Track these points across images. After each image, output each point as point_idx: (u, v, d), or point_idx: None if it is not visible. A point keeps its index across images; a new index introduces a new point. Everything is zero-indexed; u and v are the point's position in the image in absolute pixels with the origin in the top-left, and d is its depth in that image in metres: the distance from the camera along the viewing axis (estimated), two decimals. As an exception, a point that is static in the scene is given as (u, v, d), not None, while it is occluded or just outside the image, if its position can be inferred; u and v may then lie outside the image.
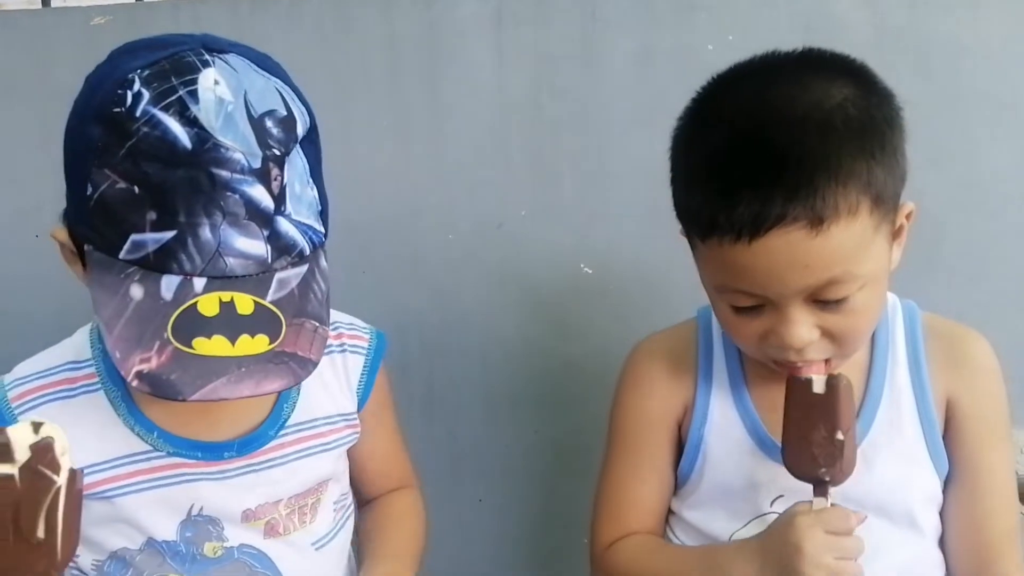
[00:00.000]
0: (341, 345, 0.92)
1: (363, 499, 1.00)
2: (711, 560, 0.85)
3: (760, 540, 0.81)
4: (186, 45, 0.73)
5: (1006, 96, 1.18)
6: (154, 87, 0.70)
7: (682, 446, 0.93)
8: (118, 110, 0.70)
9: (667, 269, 1.15)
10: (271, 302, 0.73)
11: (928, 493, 0.87)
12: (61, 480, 0.70)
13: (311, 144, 0.79)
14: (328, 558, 0.91)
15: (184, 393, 0.68)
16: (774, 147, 0.73)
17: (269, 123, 0.73)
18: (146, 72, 0.71)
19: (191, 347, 0.69)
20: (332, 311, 0.89)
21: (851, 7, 1.18)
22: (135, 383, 0.69)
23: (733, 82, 0.80)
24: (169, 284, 0.71)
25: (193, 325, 0.70)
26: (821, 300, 0.76)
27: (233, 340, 0.70)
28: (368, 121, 1.23)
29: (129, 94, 0.70)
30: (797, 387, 0.81)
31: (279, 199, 0.73)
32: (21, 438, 0.68)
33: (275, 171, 0.73)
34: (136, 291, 0.71)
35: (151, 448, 0.83)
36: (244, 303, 0.72)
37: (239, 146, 0.70)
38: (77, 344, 0.86)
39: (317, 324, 0.75)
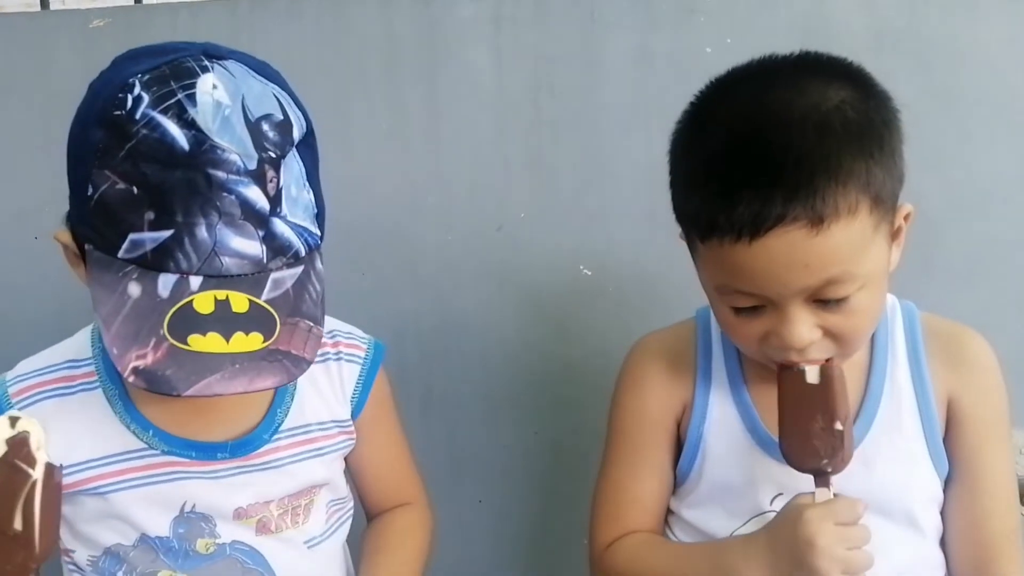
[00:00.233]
0: (337, 353, 0.93)
1: (369, 514, 1.00)
2: (715, 558, 0.84)
3: (768, 536, 0.81)
4: (187, 52, 0.76)
5: (1004, 99, 1.18)
6: (154, 91, 0.72)
7: (681, 445, 0.93)
8: (119, 113, 0.72)
9: (666, 270, 1.15)
10: (266, 301, 0.74)
11: (929, 493, 0.87)
12: (37, 474, 0.71)
13: (308, 148, 0.80)
14: (321, 557, 0.92)
15: (179, 388, 0.70)
16: (772, 148, 0.74)
17: (265, 127, 0.75)
18: (146, 77, 0.73)
19: (186, 344, 0.71)
20: (333, 320, 0.93)
21: (849, 10, 1.19)
22: (131, 379, 0.70)
23: (731, 86, 0.81)
24: (166, 282, 0.72)
25: (188, 322, 0.71)
26: (821, 300, 0.77)
27: (228, 337, 0.72)
28: (366, 122, 1.23)
29: (129, 98, 0.72)
30: (790, 378, 0.81)
31: (275, 201, 0.75)
32: None
33: (271, 173, 0.74)
34: (134, 289, 0.72)
35: (146, 446, 0.84)
36: (239, 301, 0.73)
37: (235, 148, 0.72)
38: (78, 343, 0.88)
39: (311, 324, 0.77)
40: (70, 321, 0.90)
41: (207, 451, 0.85)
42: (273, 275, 0.76)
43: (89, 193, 0.73)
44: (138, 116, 0.71)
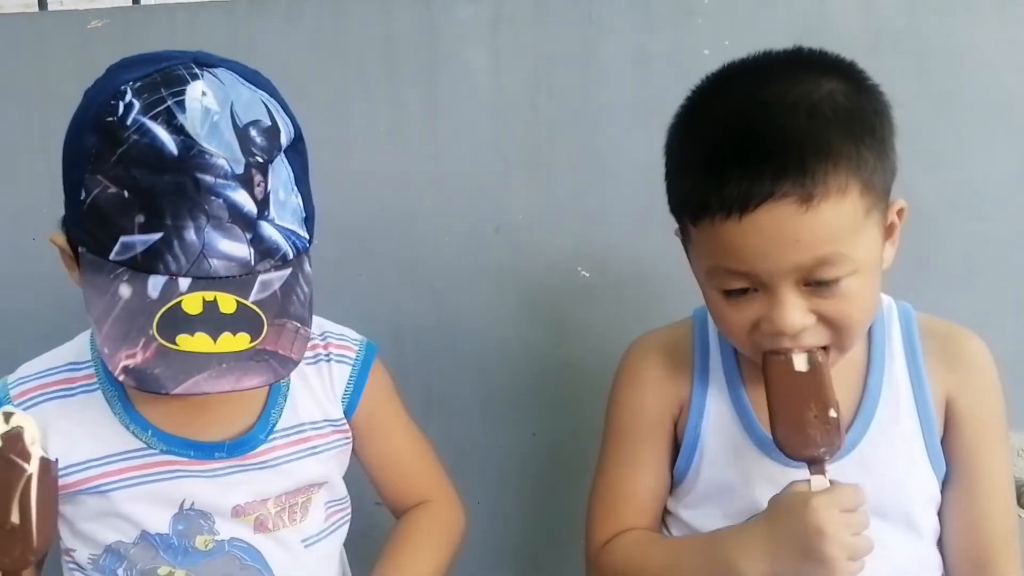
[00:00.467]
0: (328, 355, 0.94)
1: (395, 515, 1.01)
2: (711, 550, 0.84)
3: (767, 525, 0.80)
4: (178, 60, 0.78)
5: (1002, 100, 1.19)
6: (144, 97, 0.75)
7: (678, 445, 0.93)
8: (111, 119, 0.74)
9: (665, 272, 1.15)
10: (253, 302, 0.76)
11: (927, 494, 0.87)
12: (32, 468, 0.74)
13: (296, 154, 0.82)
14: (318, 556, 0.93)
15: (167, 387, 0.72)
16: (763, 130, 0.75)
17: (253, 132, 0.77)
18: (138, 84, 0.76)
19: (175, 343, 0.73)
20: (326, 322, 0.95)
21: (848, 11, 1.19)
22: (121, 377, 0.72)
23: (726, 80, 0.82)
24: (156, 284, 0.75)
25: (177, 322, 0.73)
26: (813, 283, 0.77)
27: (215, 337, 0.74)
28: (365, 124, 1.23)
29: (121, 104, 0.75)
30: (778, 367, 0.80)
31: (262, 204, 0.77)
32: None
33: (258, 177, 0.77)
34: (124, 290, 0.75)
35: (145, 446, 0.86)
36: (227, 302, 0.75)
37: (223, 153, 0.75)
38: (78, 346, 0.90)
39: (299, 325, 0.78)
40: (67, 322, 0.91)
41: (205, 451, 0.87)
42: (261, 277, 0.77)
43: (82, 197, 0.75)
44: (129, 122, 0.74)
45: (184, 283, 0.75)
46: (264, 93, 0.81)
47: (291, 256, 0.80)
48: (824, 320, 0.79)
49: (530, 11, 1.21)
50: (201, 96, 0.75)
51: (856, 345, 0.87)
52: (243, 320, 0.75)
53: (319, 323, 0.97)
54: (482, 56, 1.22)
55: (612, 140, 1.21)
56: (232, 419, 0.88)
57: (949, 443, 0.87)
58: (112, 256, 0.75)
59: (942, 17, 1.18)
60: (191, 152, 0.74)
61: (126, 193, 0.74)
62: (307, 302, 0.80)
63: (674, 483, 0.94)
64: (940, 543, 0.89)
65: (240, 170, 0.75)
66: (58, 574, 0.93)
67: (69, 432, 0.86)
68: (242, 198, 0.76)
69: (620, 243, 1.22)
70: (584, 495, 0.98)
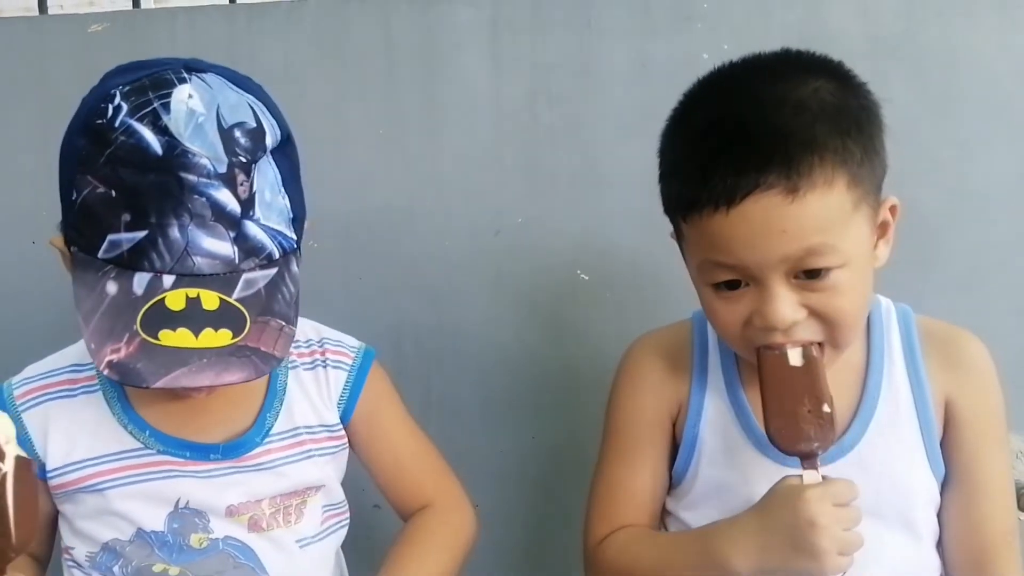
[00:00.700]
0: (324, 361, 0.96)
1: (401, 517, 1.00)
2: (703, 543, 0.84)
3: (758, 517, 0.80)
4: (168, 65, 0.81)
5: (1000, 104, 1.19)
6: (132, 100, 0.77)
7: (677, 445, 0.93)
8: (100, 122, 0.77)
9: (663, 275, 1.15)
10: (237, 300, 0.78)
11: (926, 495, 0.87)
12: (7, 467, 0.74)
13: (284, 156, 0.84)
14: (312, 557, 0.93)
15: (148, 381, 0.74)
16: (750, 125, 0.76)
17: (238, 133, 0.79)
18: (126, 88, 0.78)
19: (157, 339, 0.75)
20: (324, 328, 0.97)
21: (846, 16, 1.19)
22: (105, 371, 0.74)
23: (714, 82, 0.84)
24: (141, 280, 0.77)
25: (160, 318, 0.75)
26: (802, 275, 0.77)
27: (197, 333, 0.75)
28: (364, 129, 1.23)
29: (110, 107, 0.77)
30: (772, 362, 0.80)
31: (247, 204, 0.79)
32: None
33: (241, 177, 0.78)
34: (111, 287, 0.77)
35: (142, 446, 0.88)
36: (210, 299, 0.77)
37: (206, 152, 0.77)
38: (81, 349, 0.92)
39: (283, 323, 0.80)
40: (66, 324, 0.91)
41: (201, 452, 0.88)
42: (245, 275, 0.79)
43: (73, 197, 0.78)
44: (117, 124, 0.76)
45: (168, 280, 0.77)
46: (251, 96, 0.82)
47: (277, 256, 0.81)
48: (815, 314, 0.79)
49: (528, 16, 1.22)
50: (187, 99, 0.77)
51: (855, 346, 0.88)
52: (226, 317, 0.77)
53: (317, 330, 0.98)
54: (481, 61, 1.22)
55: (611, 144, 1.22)
56: (229, 421, 0.90)
57: (948, 445, 0.87)
58: (100, 254, 0.77)
59: (940, 21, 1.19)
60: (175, 152, 0.76)
61: (113, 192, 0.76)
62: (292, 301, 0.81)
63: (673, 483, 0.94)
64: (939, 545, 0.89)
65: (223, 169, 0.77)
66: (58, 572, 0.94)
67: (69, 431, 0.88)
68: (225, 197, 0.77)
69: (619, 246, 1.23)
70: (583, 497, 0.98)
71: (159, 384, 0.74)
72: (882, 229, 0.83)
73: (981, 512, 0.87)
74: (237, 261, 0.78)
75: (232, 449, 0.89)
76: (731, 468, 0.89)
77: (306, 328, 0.97)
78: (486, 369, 1.25)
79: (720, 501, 0.89)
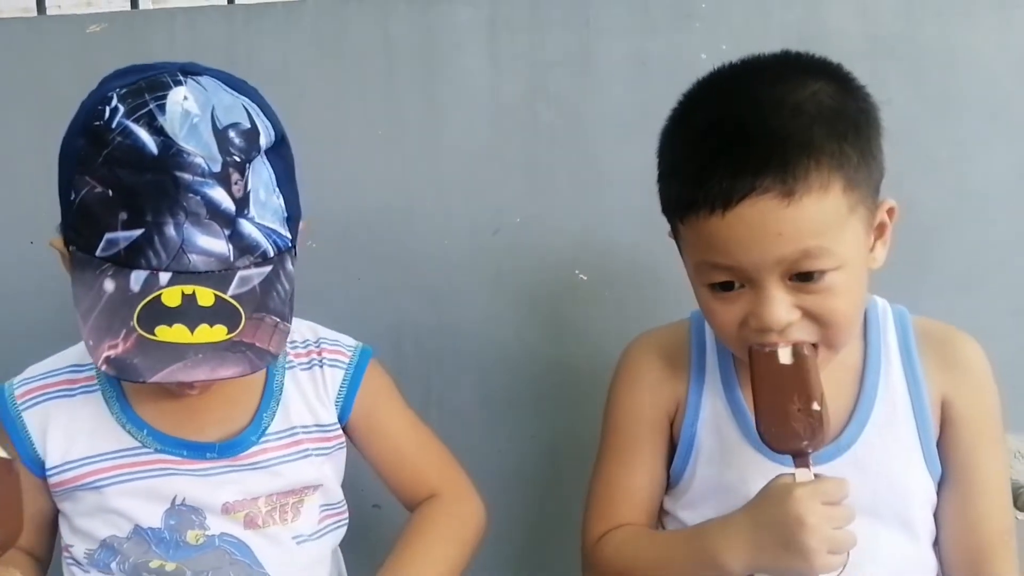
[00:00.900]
0: (321, 360, 0.96)
1: (408, 510, 1.00)
2: (697, 542, 0.85)
3: (750, 515, 0.81)
4: (165, 69, 0.82)
5: (999, 104, 1.19)
6: (129, 102, 0.79)
7: (675, 445, 0.93)
8: (98, 123, 0.79)
9: (661, 274, 1.15)
10: (232, 296, 0.79)
11: (922, 495, 0.88)
12: None
13: (279, 157, 0.85)
14: (309, 553, 0.94)
15: (144, 375, 0.75)
16: (747, 128, 0.77)
17: (232, 134, 0.80)
18: (123, 90, 0.80)
19: (153, 334, 0.76)
20: (321, 328, 0.98)
21: (845, 16, 1.19)
22: (103, 367, 0.76)
23: (714, 83, 0.84)
24: (137, 278, 0.78)
25: (156, 314, 0.77)
26: (797, 277, 0.77)
27: (192, 329, 0.77)
28: (364, 128, 1.23)
29: (107, 109, 0.79)
30: (762, 359, 0.80)
31: (241, 203, 0.80)
32: None
33: (235, 176, 0.80)
34: (109, 285, 0.78)
35: (140, 444, 0.89)
36: (205, 296, 0.78)
37: (200, 152, 0.78)
38: (80, 350, 0.93)
39: (278, 320, 0.81)
40: (65, 324, 0.91)
41: (197, 450, 0.89)
42: (240, 273, 0.80)
43: (72, 198, 0.80)
44: (114, 125, 0.78)
45: (164, 277, 0.78)
46: (246, 98, 0.84)
47: (272, 254, 0.83)
48: (810, 315, 0.79)
49: (527, 15, 1.22)
50: (182, 100, 0.79)
51: (852, 346, 0.88)
52: (221, 313, 0.78)
53: (314, 330, 0.99)
54: (480, 60, 1.22)
55: (610, 143, 1.22)
56: (226, 421, 0.91)
57: (945, 445, 0.88)
58: (98, 252, 0.78)
59: (939, 21, 1.18)
60: (170, 151, 0.77)
61: (111, 192, 0.78)
62: (287, 299, 0.83)
63: (671, 483, 0.95)
64: (936, 545, 0.89)
65: (217, 168, 0.78)
66: (57, 570, 0.94)
67: (68, 430, 0.89)
68: (219, 195, 0.79)
69: (618, 246, 1.23)
70: (582, 495, 0.98)
71: (155, 379, 0.75)
72: (879, 231, 0.83)
73: (978, 511, 0.87)
74: (232, 259, 0.80)
75: (228, 448, 0.90)
76: (729, 467, 0.89)
77: (303, 329, 0.98)
78: (485, 368, 1.25)
79: (718, 500, 0.89)
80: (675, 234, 0.86)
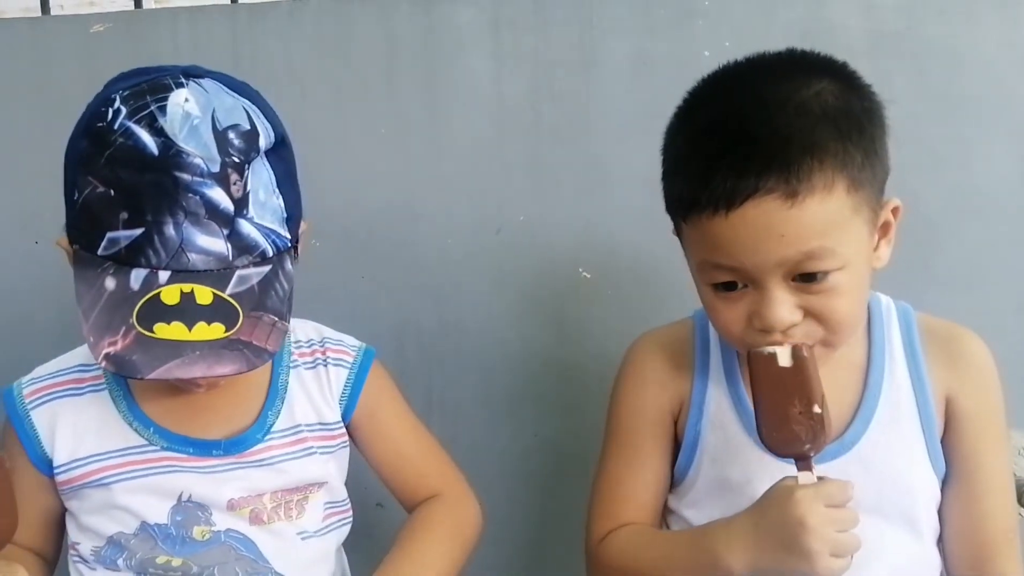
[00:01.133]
0: (325, 359, 0.97)
1: (407, 511, 1.01)
2: (699, 542, 0.85)
3: (752, 517, 0.81)
4: (167, 72, 0.84)
5: (1002, 102, 1.19)
6: (131, 104, 0.81)
7: (679, 444, 0.93)
8: (101, 124, 0.80)
9: (665, 273, 1.15)
10: (230, 295, 0.80)
11: (927, 493, 0.87)
12: None
13: (279, 158, 0.86)
14: (314, 549, 0.95)
15: (143, 372, 0.76)
16: (752, 127, 0.76)
17: (232, 135, 0.81)
18: (126, 92, 0.82)
19: (152, 331, 0.77)
20: (325, 328, 0.99)
21: (848, 14, 1.19)
22: (103, 364, 0.77)
23: (719, 81, 0.84)
24: (137, 276, 0.79)
25: (155, 312, 0.78)
26: (801, 278, 0.77)
27: (190, 326, 0.78)
28: (367, 127, 1.24)
29: (110, 110, 0.80)
30: (761, 361, 0.80)
31: (240, 203, 0.81)
32: None
33: (234, 176, 0.81)
34: (110, 283, 0.79)
35: (146, 442, 0.91)
36: (203, 294, 0.79)
37: (199, 152, 0.79)
38: (88, 350, 0.92)
39: (276, 319, 0.82)
40: (68, 323, 0.91)
41: (203, 448, 0.91)
42: (239, 272, 0.81)
43: (75, 197, 0.81)
44: (116, 126, 0.79)
45: (164, 275, 0.79)
46: (247, 101, 0.85)
47: (270, 254, 0.83)
48: (813, 315, 0.79)
49: (530, 14, 1.22)
50: (183, 102, 0.80)
51: (856, 344, 0.88)
52: (219, 311, 0.79)
53: (319, 330, 1.00)
54: (482, 59, 1.22)
55: (613, 142, 1.22)
56: (231, 419, 0.92)
57: (949, 442, 0.88)
58: (100, 251, 0.80)
59: (941, 19, 1.18)
60: (170, 152, 0.78)
61: (112, 192, 0.79)
62: (286, 298, 0.83)
63: (675, 481, 0.95)
64: (940, 542, 0.89)
65: (216, 169, 0.79)
66: (64, 571, 0.95)
67: (76, 428, 0.91)
68: (218, 195, 0.80)
69: (620, 244, 1.23)
70: (585, 495, 0.98)
71: (153, 375, 0.76)
72: (883, 230, 0.83)
73: (982, 509, 0.87)
74: (231, 258, 0.81)
75: (234, 445, 0.91)
76: (733, 466, 0.89)
77: (307, 329, 0.99)
78: (488, 367, 1.25)
79: (722, 499, 0.89)
80: (678, 232, 0.86)
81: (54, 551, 0.96)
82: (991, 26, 1.18)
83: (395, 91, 1.23)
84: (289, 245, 0.86)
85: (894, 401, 0.87)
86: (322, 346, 0.98)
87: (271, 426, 0.92)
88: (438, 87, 1.23)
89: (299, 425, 0.94)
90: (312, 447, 0.94)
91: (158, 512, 0.89)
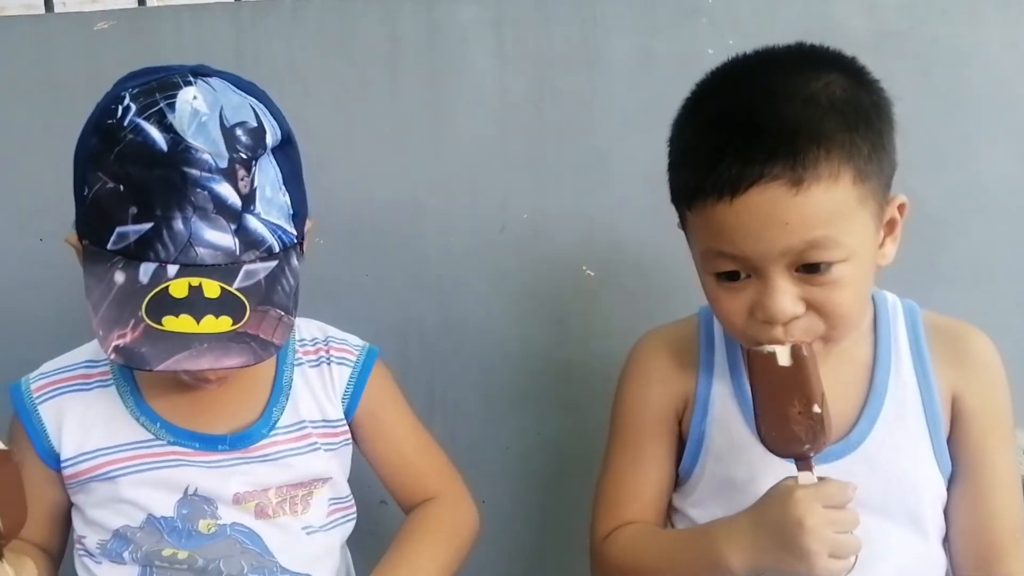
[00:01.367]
0: (329, 357, 0.99)
1: (404, 512, 1.02)
2: (700, 542, 0.85)
3: (752, 517, 0.80)
4: (176, 71, 0.85)
5: (1006, 101, 1.19)
6: (140, 101, 0.82)
7: (683, 442, 0.93)
8: (111, 121, 0.82)
9: (669, 271, 1.15)
10: (237, 289, 0.81)
11: (932, 492, 0.87)
12: None
13: (285, 156, 0.87)
14: (319, 544, 0.95)
15: (151, 364, 0.77)
16: (759, 117, 0.77)
17: (239, 132, 0.83)
18: (136, 90, 0.83)
19: (161, 324, 0.79)
20: (329, 327, 1.00)
21: (851, 12, 1.19)
22: (112, 356, 0.78)
23: (727, 72, 0.84)
24: (147, 270, 0.80)
25: (164, 305, 0.79)
26: (804, 268, 0.77)
27: (198, 319, 0.79)
28: (370, 125, 1.24)
29: (120, 108, 0.82)
30: (761, 361, 0.80)
31: (248, 199, 0.82)
32: None
33: (241, 172, 0.82)
34: (119, 277, 0.81)
35: (153, 437, 0.92)
36: (211, 288, 0.80)
37: (208, 148, 0.80)
38: (96, 346, 0.95)
39: (282, 313, 0.83)
40: (74, 320, 0.92)
41: (209, 443, 0.92)
42: (246, 266, 0.82)
43: (85, 193, 0.82)
44: (126, 123, 0.81)
45: (172, 269, 0.80)
46: (254, 99, 0.86)
47: (277, 249, 0.85)
48: (815, 308, 0.79)
49: (533, 12, 1.22)
50: (192, 99, 0.82)
51: (862, 342, 0.88)
52: (227, 305, 0.80)
53: (323, 329, 1.01)
54: (486, 57, 1.22)
55: (616, 139, 1.22)
56: (236, 415, 0.93)
57: (956, 441, 0.87)
58: (109, 246, 0.81)
59: (945, 18, 1.18)
60: (179, 148, 0.80)
61: (122, 187, 0.80)
62: (292, 293, 0.84)
63: (679, 480, 0.94)
64: (946, 542, 0.89)
65: (224, 164, 0.81)
66: (70, 565, 0.95)
67: (83, 423, 0.92)
68: (226, 191, 0.81)
69: (624, 242, 1.23)
70: (588, 493, 0.98)
71: (161, 367, 0.77)
72: (889, 227, 0.83)
73: (988, 508, 0.86)
74: (238, 252, 0.82)
75: (239, 440, 0.92)
76: (738, 464, 0.89)
77: (312, 328, 1.00)
78: (491, 365, 1.25)
79: (727, 498, 0.89)
80: (683, 223, 0.86)
81: (60, 546, 0.97)
82: (994, 25, 1.18)
83: (398, 89, 1.23)
84: (295, 241, 0.87)
85: (900, 400, 0.87)
86: (326, 344, 0.99)
87: (276, 422, 0.93)
88: (441, 85, 1.23)
89: (303, 421, 0.95)
90: (316, 443, 0.95)
91: (164, 505, 0.90)
